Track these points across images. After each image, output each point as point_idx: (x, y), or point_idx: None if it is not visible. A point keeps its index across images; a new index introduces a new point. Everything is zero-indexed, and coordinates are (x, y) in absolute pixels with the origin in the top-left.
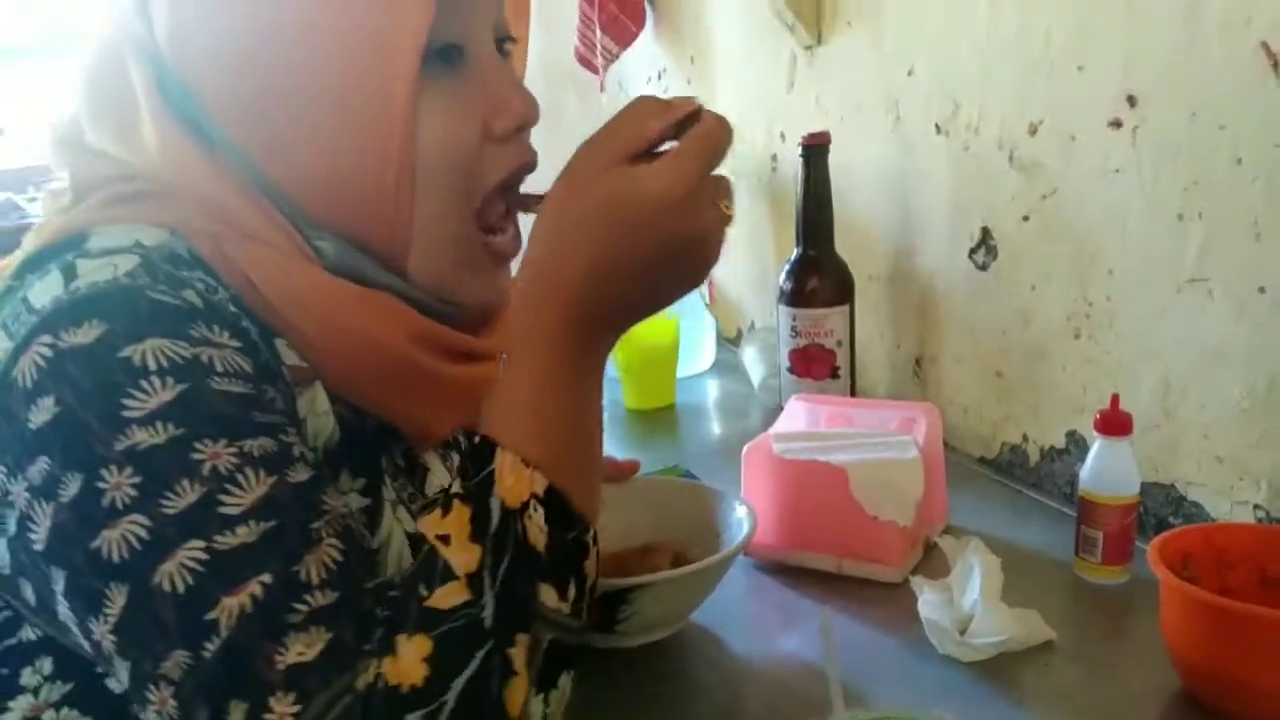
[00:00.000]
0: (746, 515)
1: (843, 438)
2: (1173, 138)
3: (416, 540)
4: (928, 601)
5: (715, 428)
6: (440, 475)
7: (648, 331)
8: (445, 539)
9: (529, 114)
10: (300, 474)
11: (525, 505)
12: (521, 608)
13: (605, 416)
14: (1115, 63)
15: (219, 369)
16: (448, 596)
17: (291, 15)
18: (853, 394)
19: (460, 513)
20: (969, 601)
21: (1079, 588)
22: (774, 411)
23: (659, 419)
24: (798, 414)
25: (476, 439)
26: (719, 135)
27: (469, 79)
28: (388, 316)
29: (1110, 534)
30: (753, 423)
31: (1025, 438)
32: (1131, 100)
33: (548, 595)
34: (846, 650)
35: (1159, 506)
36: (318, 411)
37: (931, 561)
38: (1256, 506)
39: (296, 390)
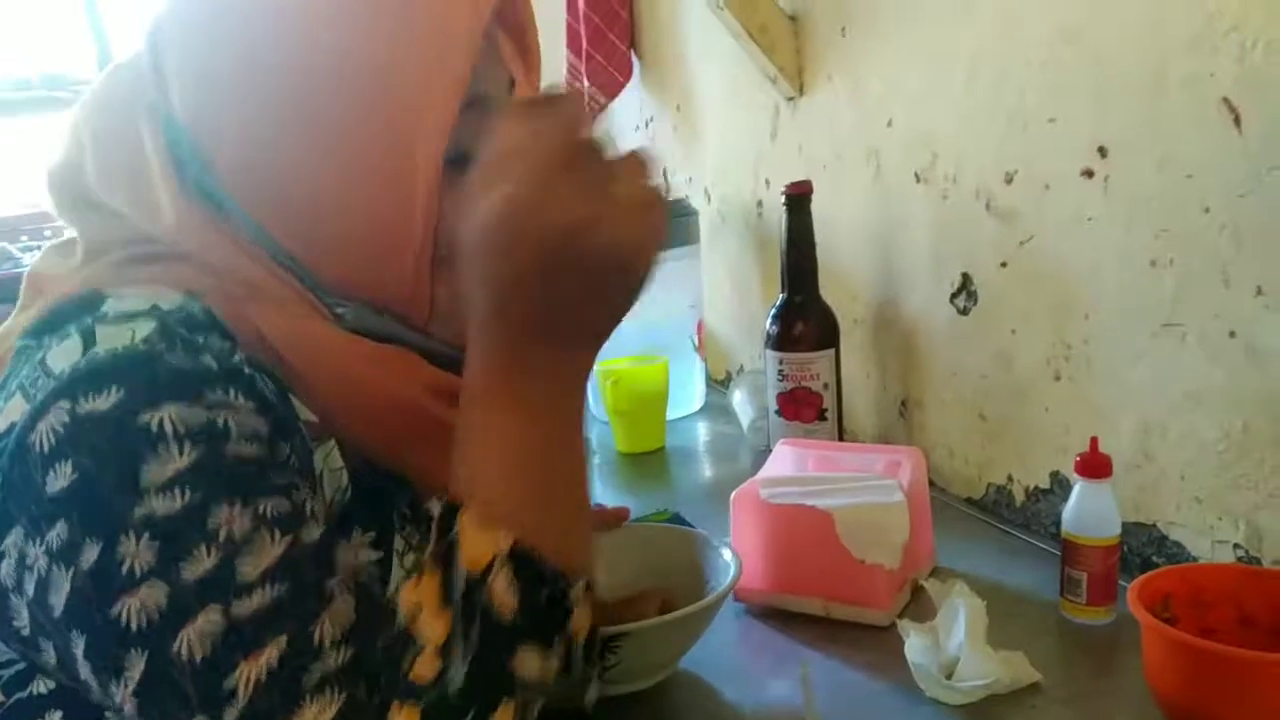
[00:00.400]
0: (732, 560)
1: (828, 482)
2: (1143, 187)
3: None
4: (914, 645)
5: (705, 470)
6: None
7: (638, 375)
8: (418, 607)
9: None
10: (313, 532)
11: (489, 567)
12: (495, 676)
13: (596, 461)
14: (1086, 115)
15: (234, 432)
16: (424, 667)
17: (318, 102)
18: (840, 436)
19: (430, 579)
20: (954, 644)
21: (1065, 628)
22: (763, 454)
23: (649, 462)
24: (785, 458)
25: (434, 507)
26: (628, 161)
27: None
28: (403, 370)
29: (1094, 575)
30: (742, 465)
31: (1010, 478)
32: (1102, 151)
33: (527, 659)
34: (834, 694)
35: (1142, 546)
36: (332, 467)
37: (919, 604)
38: (1236, 546)
39: (314, 445)
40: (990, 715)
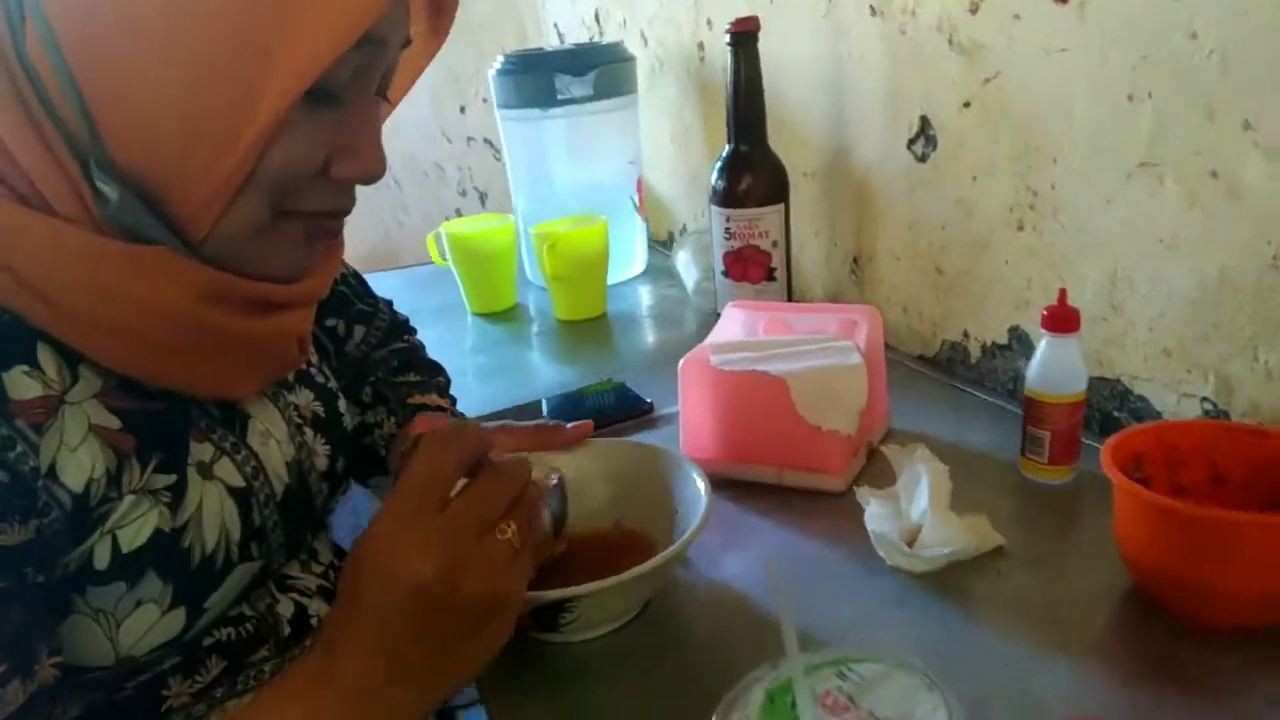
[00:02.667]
0: (704, 491)
1: (782, 345)
2: (1123, 11)
3: (245, 493)
4: (874, 514)
5: (649, 336)
6: (265, 419)
7: (577, 238)
8: None
9: (373, 172)
10: None
11: None
12: None
13: (535, 329)
14: None
15: None
16: None
17: None
18: (790, 296)
19: None
20: (917, 512)
21: (1025, 488)
22: (709, 317)
23: (590, 329)
24: (735, 321)
25: None
26: (496, 490)
27: (335, 118)
28: (166, 273)
29: (1057, 433)
30: (687, 330)
31: (966, 334)
32: None
33: None
34: (792, 565)
35: (1103, 401)
36: (71, 445)
37: (874, 467)
38: (1204, 399)
39: (38, 431)
40: (953, 582)
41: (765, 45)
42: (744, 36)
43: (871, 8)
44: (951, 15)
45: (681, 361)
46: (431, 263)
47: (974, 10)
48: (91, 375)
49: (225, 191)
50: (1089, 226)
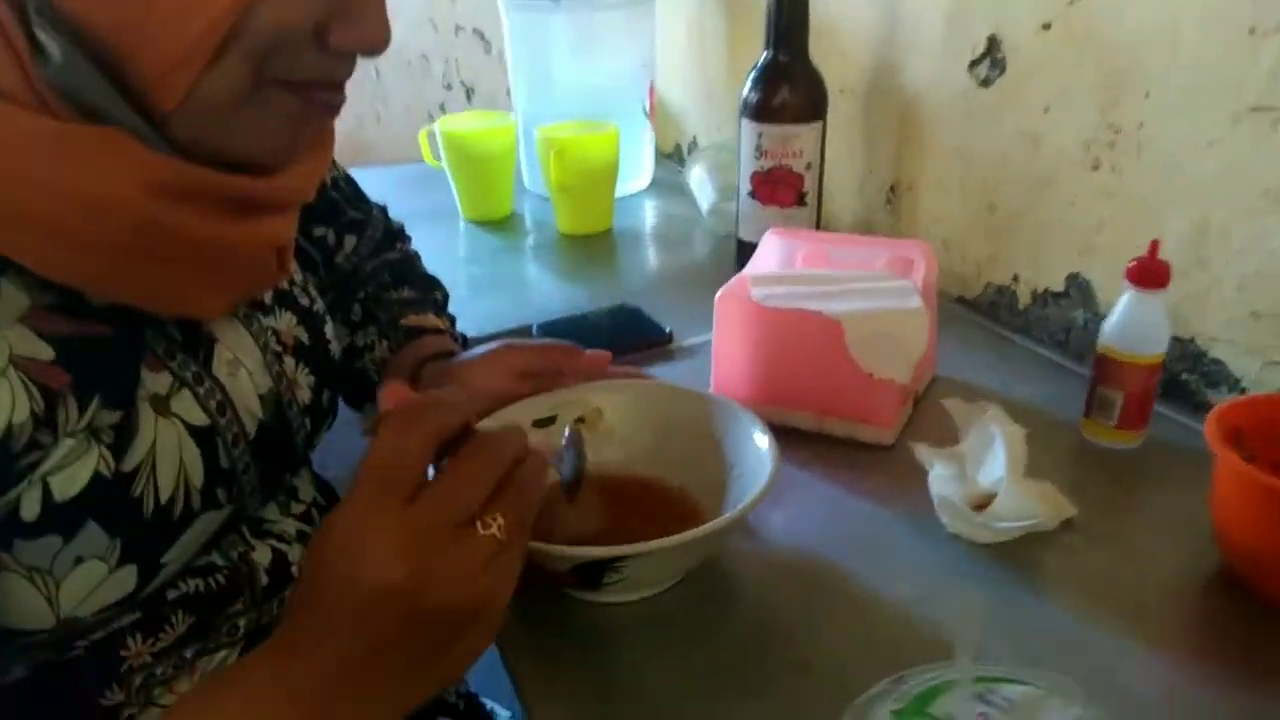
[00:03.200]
0: (768, 453)
1: (830, 281)
2: None
3: (209, 432)
4: (939, 476)
5: (658, 257)
6: (234, 345)
7: (586, 145)
8: None
9: (375, 40)
10: None
11: None
12: None
13: (532, 241)
14: None
15: None
16: None
17: None
18: (818, 223)
19: None
20: (988, 477)
21: (1089, 453)
22: (725, 240)
23: (594, 245)
24: (771, 249)
25: None
26: (477, 475)
27: None
28: (111, 160)
29: (1132, 395)
30: (698, 252)
31: (1015, 279)
32: None
33: None
34: (838, 523)
35: (1172, 363)
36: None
37: (920, 419)
38: None
39: None
40: (1020, 555)
41: None
42: None
43: None
44: None
45: (719, 294)
46: (419, 161)
47: None
48: (17, 293)
49: (201, 50)
50: (1180, 171)
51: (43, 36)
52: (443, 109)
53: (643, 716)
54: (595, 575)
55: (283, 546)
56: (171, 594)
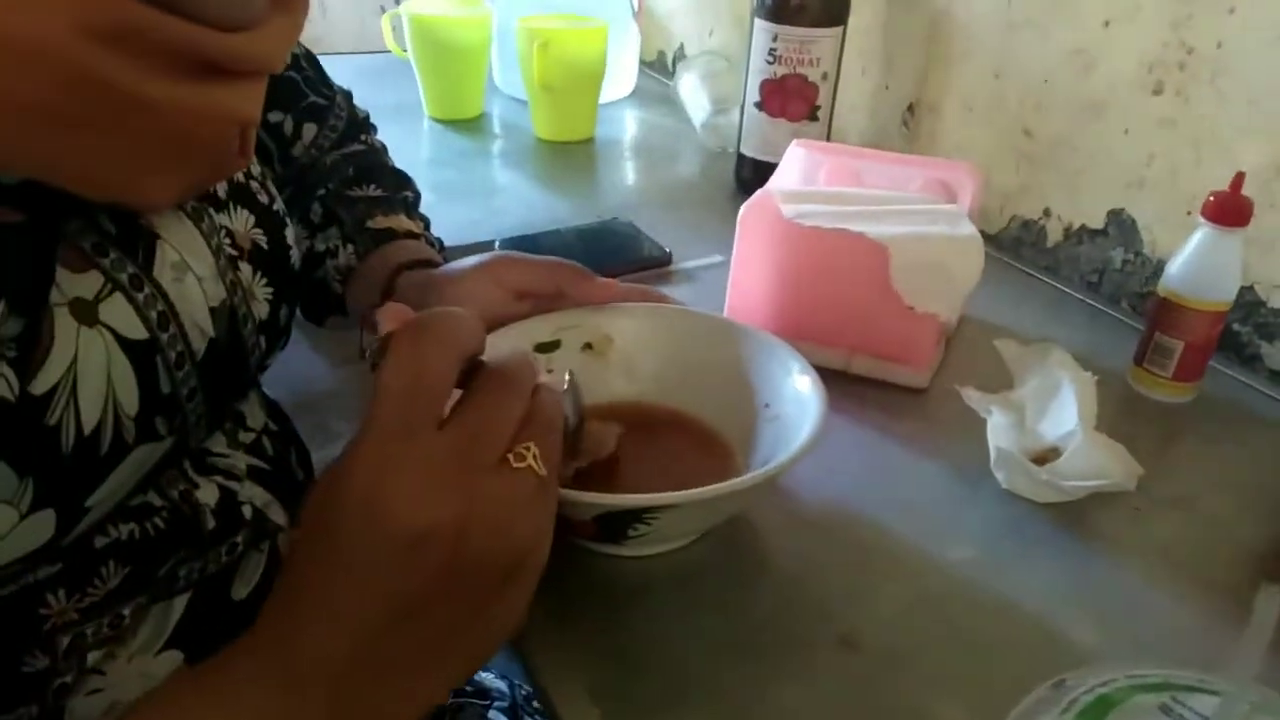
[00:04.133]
0: (812, 393)
1: (868, 201)
2: None
3: (148, 347)
4: (997, 425)
5: (644, 171)
6: (182, 245)
7: (573, 40)
8: None
9: None
10: None
11: None
12: None
13: (505, 145)
14: None
15: None
16: None
17: None
18: (828, 139)
19: None
20: (1056, 431)
21: (1138, 405)
22: (717, 157)
23: (575, 154)
24: (793, 164)
25: None
26: (506, 402)
27: None
28: None
29: (1192, 345)
30: (688, 168)
31: (1047, 212)
32: None
33: None
34: (874, 473)
35: None
36: None
37: (951, 362)
38: None
39: None
40: (1084, 519)
41: None
42: None
43: None
44: None
45: (744, 208)
46: (379, 52)
47: None
48: None
49: None
50: (1262, 99)
51: None
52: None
53: (664, 693)
54: (620, 526)
55: (231, 484)
56: (100, 541)
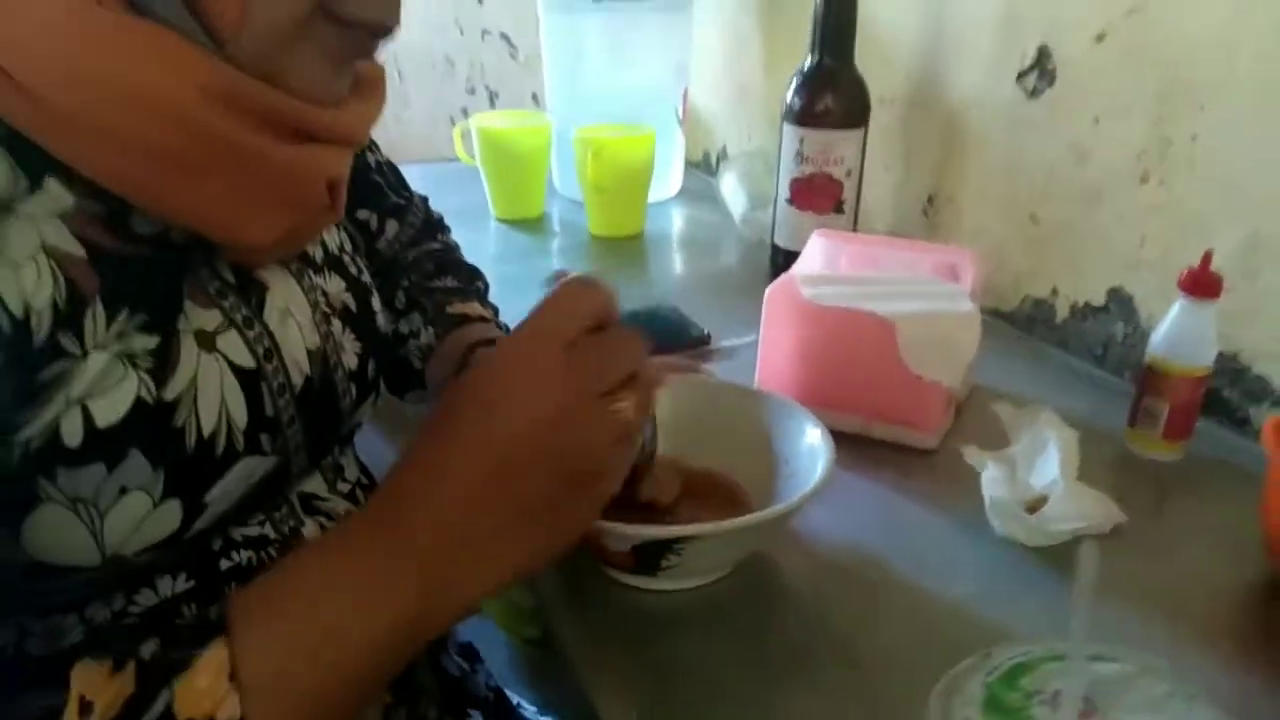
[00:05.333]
0: (822, 446)
1: (880, 283)
2: None
3: (254, 375)
4: (992, 478)
5: (689, 261)
6: (286, 296)
7: (623, 147)
8: (88, 707)
9: None
10: None
11: None
12: None
13: (564, 242)
14: None
15: None
16: None
17: None
18: (855, 230)
19: (123, 682)
20: (1041, 480)
21: (1132, 462)
22: (755, 248)
23: (626, 248)
24: (816, 251)
25: (212, 612)
26: (622, 353)
27: None
28: (172, 60)
29: (1178, 407)
30: (728, 259)
31: (1055, 291)
32: None
33: None
34: (888, 526)
35: (1212, 377)
36: (12, 257)
37: (962, 426)
38: None
39: None
40: (1070, 561)
41: None
42: None
43: None
44: None
45: (769, 291)
46: (449, 160)
47: None
48: (61, 190)
49: None
50: (1233, 184)
51: None
52: (464, 113)
53: (698, 705)
54: (654, 557)
55: (330, 524)
56: (224, 564)
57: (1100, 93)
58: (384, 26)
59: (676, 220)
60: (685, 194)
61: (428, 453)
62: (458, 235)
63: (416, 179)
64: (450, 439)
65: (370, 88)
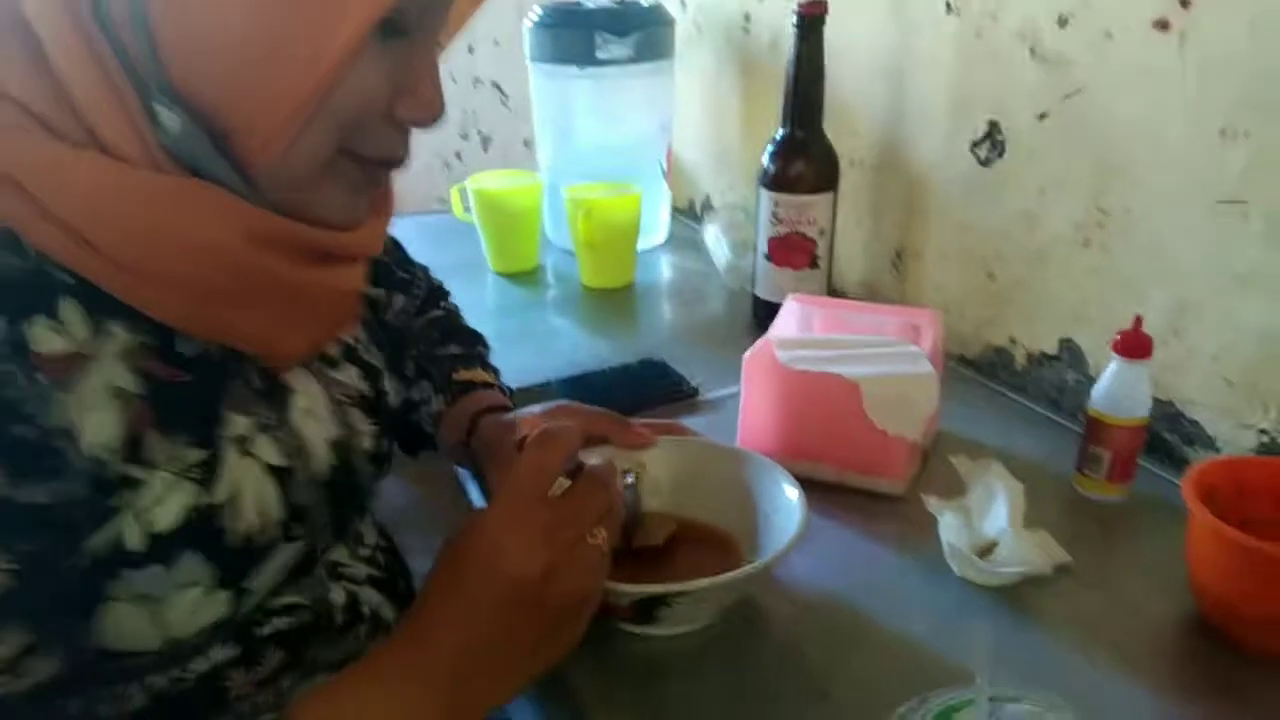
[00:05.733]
0: (798, 503)
1: (847, 345)
2: (1227, 47)
3: (286, 472)
4: (948, 525)
5: (676, 310)
6: (309, 396)
7: (611, 206)
8: None
9: (433, 113)
10: None
11: None
12: None
13: (558, 294)
14: None
15: None
16: None
17: None
18: (829, 284)
19: None
20: (991, 527)
21: (1081, 505)
22: (739, 296)
23: (617, 298)
24: (792, 314)
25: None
26: (595, 496)
27: (401, 54)
28: (215, 210)
29: (1118, 454)
30: (714, 307)
31: (1012, 340)
32: (1184, 1)
33: None
34: (858, 567)
35: (1155, 423)
36: (88, 406)
37: (928, 471)
38: (1261, 431)
39: (58, 388)
40: (1021, 598)
41: (828, 27)
42: (812, 20)
43: (947, 4)
44: (1036, 24)
45: (746, 356)
46: (441, 212)
47: (1063, 23)
48: (122, 332)
49: (296, 120)
50: (1161, 253)
51: (162, 111)
52: (459, 157)
53: None
54: (651, 609)
55: (353, 588)
56: (265, 630)
57: (1044, 166)
58: (398, 160)
59: (665, 269)
60: (673, 241)
61: (442, 604)
62: (457, 289)
63: (417, 234)
64: (458, 594)
65: (383, 201)
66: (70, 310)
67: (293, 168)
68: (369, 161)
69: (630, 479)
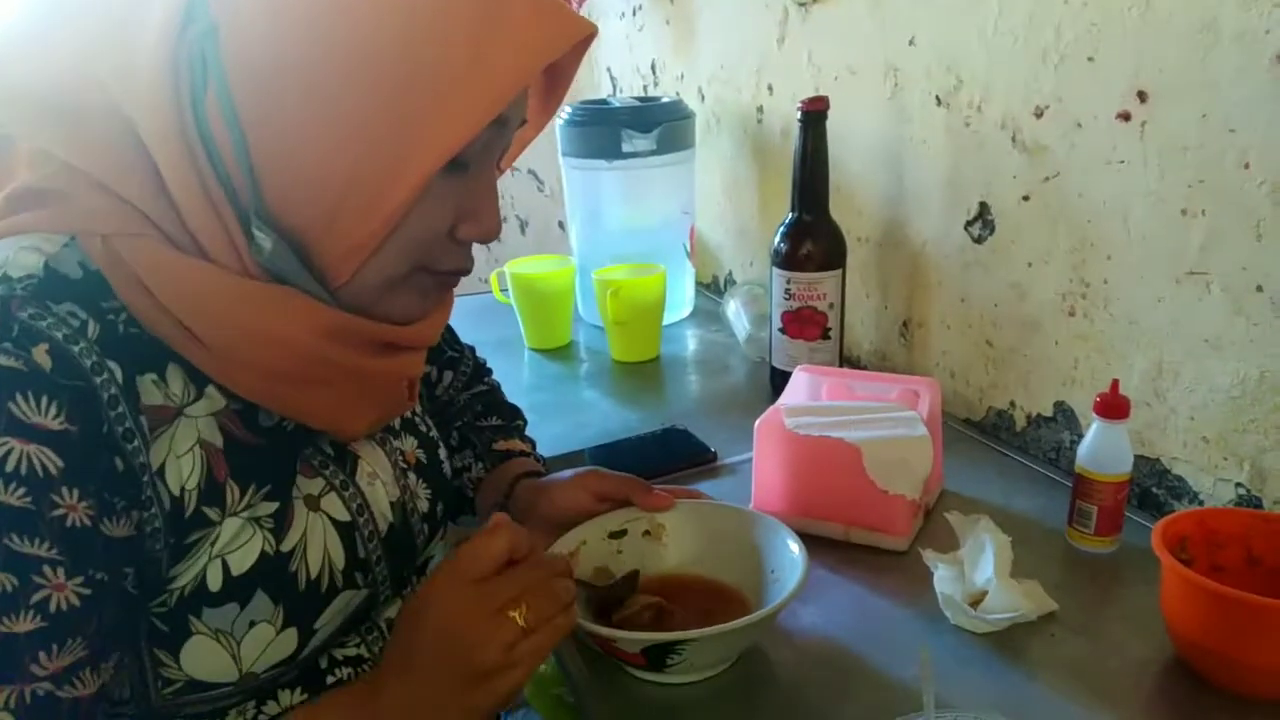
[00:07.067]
0: (800, 557)
1: (850, 412)
2: (1181, 136)
3: (350, 527)
4: (942, 577)
5: (700, 380)
6: (373, 461)
7: (638, 286)
8: None
9: (492, 233)
10: (22, 624)
11: None
12: None
13: (590, 368)
14: (1128, 59)
15: (7, 469)
16: None
17: (359, 77)
18: (841, 354)
19: None
20: (981, 578)
21: (1071, 556)
22: (758, 366)
23: (644, 371)
24: (801, 383)
25: None
26: (518, 579)
27: (464, 184)
28: (295, 312)
29: (1104, 508)
30: (736, 377)
31: (1013, 404)
32: (1142, 96)
33: None
34: (862, 619)
35: (1143, 478)
36: (178, 452)
37: (931, 528)
38: (1238, 485)
39: (153, 435)
40: (1012, 644)
41: (830, 118)
42: (814, 115)
43: (937, 99)
44: (1016, 116)
45: (757, 423)
46: (482, 293)
47: (1039, 115)
48: (217, 395)
49: (368, 246)
50: (1138, 320)
51: (258, 232)
52: (499, 239)
53: None
54: (662, 656)
55: None
56: (331, 680)
57: (1030, 242)
58: (465, 270)
59: (690, 341)
60: (697, 314)
61: (396, 667)
62: (495, 365)
63: (459, 314)
64: (410, 659)
65: (444, 301)
66: (174, 375)
67: (368, 282)
68: (440, 273)
69: (623, 572)
